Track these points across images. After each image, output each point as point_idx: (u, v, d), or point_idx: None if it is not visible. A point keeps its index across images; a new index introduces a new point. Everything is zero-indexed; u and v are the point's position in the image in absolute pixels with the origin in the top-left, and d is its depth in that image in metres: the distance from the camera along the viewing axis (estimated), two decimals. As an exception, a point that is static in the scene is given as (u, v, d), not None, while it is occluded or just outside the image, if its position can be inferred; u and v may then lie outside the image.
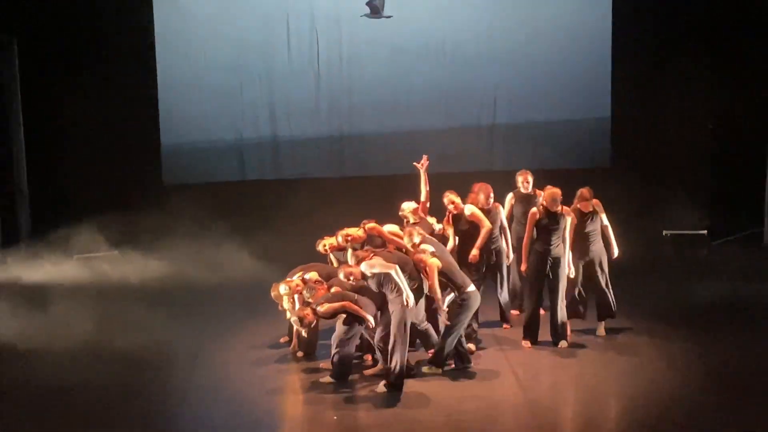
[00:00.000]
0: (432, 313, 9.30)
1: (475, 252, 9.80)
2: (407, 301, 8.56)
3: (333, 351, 8.83)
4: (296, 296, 9.19)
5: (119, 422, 8.12)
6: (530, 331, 9.81)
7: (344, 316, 8.69)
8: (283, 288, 9.29)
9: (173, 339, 10.17)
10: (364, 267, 8.60)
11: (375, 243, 9.31)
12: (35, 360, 9.60)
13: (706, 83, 13.89)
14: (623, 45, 14.02)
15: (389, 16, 13.97)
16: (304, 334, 9.30)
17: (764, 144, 13.53)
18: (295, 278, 9.31)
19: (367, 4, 13.87)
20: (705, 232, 14.16)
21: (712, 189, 14.14)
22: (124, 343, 9.96)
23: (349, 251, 9.29)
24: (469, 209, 9.88)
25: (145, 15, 13.87)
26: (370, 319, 8.62)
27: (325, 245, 9.69)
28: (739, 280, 11.86)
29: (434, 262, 8.88)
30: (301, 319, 8.84)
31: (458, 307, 8.99)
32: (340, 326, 8.80)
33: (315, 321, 8.87)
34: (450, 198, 9.86)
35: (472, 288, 9.00)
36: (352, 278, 8.71)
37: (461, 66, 14.22)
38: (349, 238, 9.35)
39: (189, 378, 9.16)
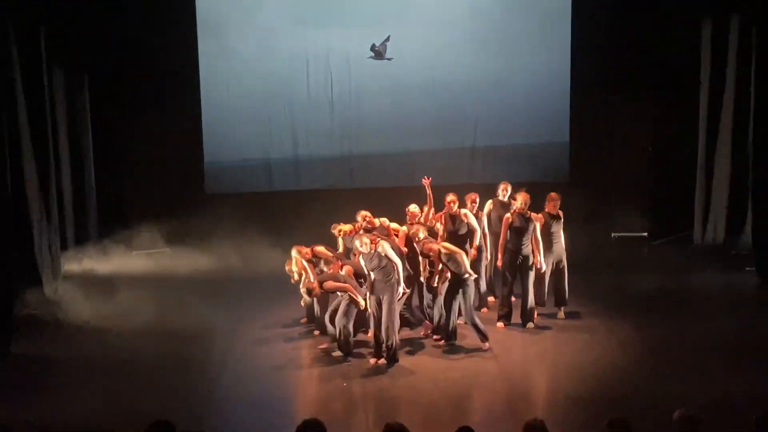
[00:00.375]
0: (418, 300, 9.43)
1: (473, 251, 9.83)
2: (400, 291, 8.66)
3: (337, 329, 8.90)
4: (305, 262, 9.26)
5: (171, 387, 8.24)
6: (504, 315, 9.91)
7: (348, 298, 8.75)
8: (294, 252, 9.38)
9: (215, 321, 10.24)
10: (380, 245, 8.57)
11: (381, 233, 9.44)
12: (105, 336, 9.72)
13: (646, 114, 13.92)
14: (579, 82, 13.98)
15: (390, 59, 14.00)
16: (305, 301, 9.43)
17: (694, 162, 13.58)
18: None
19: (372, 48, 13.96)
20: (645, 234, 14.11)
21: (651, 199, 14.08)
22: (174, 323, 10.05)
23: (361, 231, 9.38)
24: (464, 212, 9.90)
25: (193, 54, 13.85)
26: (362, 302, 8.71)
27: (340, 230, 9.73)
28: (674, 274, 11.89)
29: (445, 244, 8.99)
30: (309, 291, 9.01)
31: (452, 289, 9.01)
32: (341, 308, 8.86)
33: (320, 293, 8.99)
34: (452, 198, 9.90)
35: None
36: (364, 246, 8.51)
37: (448, 98, 14.16)
38: (367, 219, 9.56)
39: (226, 352, 9.28)
